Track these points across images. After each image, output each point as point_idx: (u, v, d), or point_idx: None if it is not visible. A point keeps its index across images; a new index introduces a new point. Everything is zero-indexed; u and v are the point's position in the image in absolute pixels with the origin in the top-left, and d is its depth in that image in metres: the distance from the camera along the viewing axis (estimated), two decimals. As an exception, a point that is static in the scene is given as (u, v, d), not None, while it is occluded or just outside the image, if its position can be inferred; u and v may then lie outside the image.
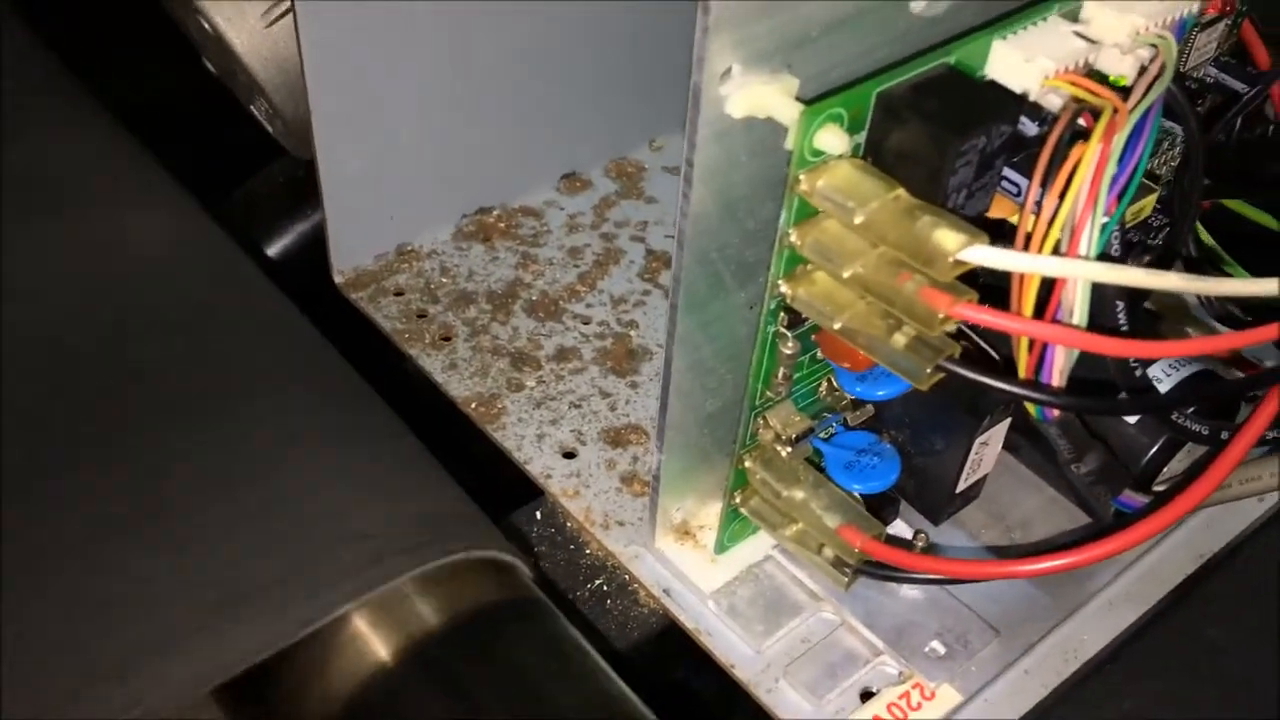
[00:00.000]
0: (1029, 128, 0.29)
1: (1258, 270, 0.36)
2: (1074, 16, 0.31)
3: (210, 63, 0.45)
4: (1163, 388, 0.33)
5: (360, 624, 0.26)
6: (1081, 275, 0.26)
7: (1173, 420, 0.31)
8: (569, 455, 0.40)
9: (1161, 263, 0.35)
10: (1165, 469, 0.34)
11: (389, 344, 0.43)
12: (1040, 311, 0.27)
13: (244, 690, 0.25)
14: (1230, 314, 0.42)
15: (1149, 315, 0.38)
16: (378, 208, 0.45)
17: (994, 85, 0.28)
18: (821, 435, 0.35)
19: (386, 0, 0.39)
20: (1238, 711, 0.32)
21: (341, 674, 0.25)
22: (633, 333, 0.44)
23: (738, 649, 0.35)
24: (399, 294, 0.45)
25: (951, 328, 0.27)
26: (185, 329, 0.34)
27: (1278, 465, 0.34)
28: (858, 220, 0.27)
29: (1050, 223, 0.26)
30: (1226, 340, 0.29)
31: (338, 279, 0.45)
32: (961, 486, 0.35)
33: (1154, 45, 0.30)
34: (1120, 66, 0.31)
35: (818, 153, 0.27)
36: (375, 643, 0.26)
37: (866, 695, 0.34)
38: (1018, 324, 0.26)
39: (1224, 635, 0.34)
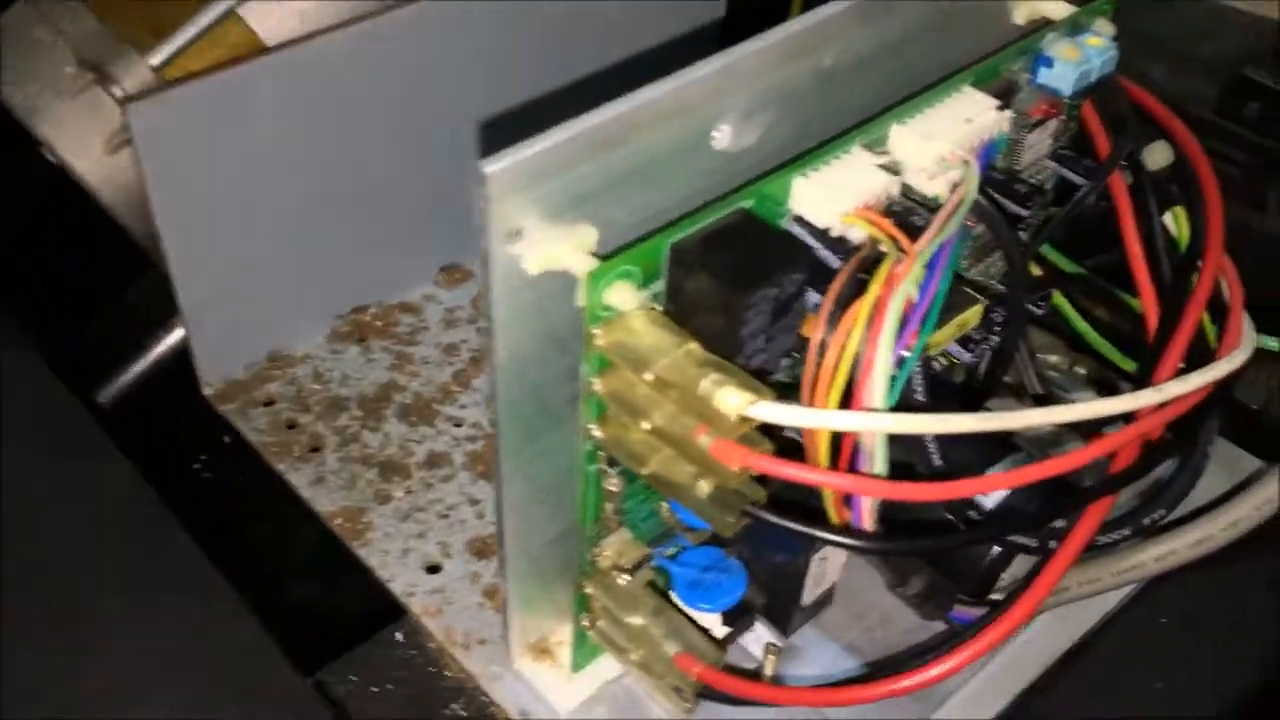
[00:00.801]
0: (833, 261, 0.29)
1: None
2: (883, 142, 0.31)
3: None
4: (989, 503, 0.33)
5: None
6: (863, 429, 0.26)
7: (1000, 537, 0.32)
8: (433, 570, 0.40)
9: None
10: (1004, 574, 0.34)
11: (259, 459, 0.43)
12: (837, 461, 0.27)
13: None
14: (1106, 378, 0.42)
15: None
16: (244, 317, 0.45)
17: (784, 233, 0.28)
18: (668, 554, 0.35)
19: (227, 117, 0.39)
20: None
21: None
22: (504, 434, 0.44)
23: (594, 775, 0.35)
24: (269, 404, 0.45)
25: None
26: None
27: (1117, 565, 0.35)
28: (647, 377, 0.27)
29: (833, 373, 0.26)
30: (1036, 470, 0.29)
31: (206, 391, 0.45)
32: (807, 600, 0.35)
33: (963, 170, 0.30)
34: (932, 188, 0.31)
35: (609, 308, 0.27)
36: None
37: (722, 813, 0.34)
38: (814, 475, 0.27)
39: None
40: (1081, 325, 0.43)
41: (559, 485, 0.32)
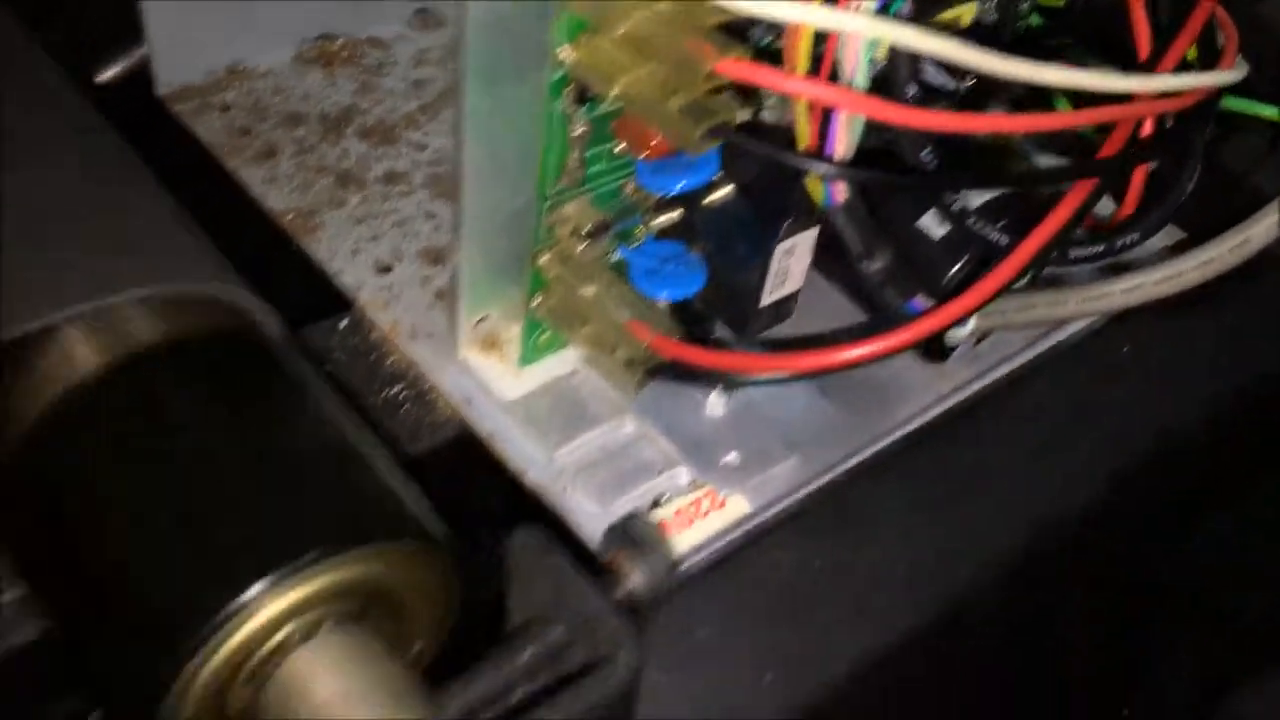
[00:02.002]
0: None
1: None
2: None
3: None
4: (974, 202, 0.32)
5: (73, 334, 0.25)
6: (845, 28, 0.25)
7: (971, 230, 0.31)
8: (384, 270, 0.38)
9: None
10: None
11: (213, 161, 0.41)
12: (816, 74, 0.26)
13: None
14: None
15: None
16: (205, 25, 0.43)
17: None
18: (629, 246, 0.34)
19: None
20: (995, 524, 0.32)
21: (50, 380, 0.24)
22: (468, 161, 0.43)
23: (530, 456, 0.34)
24: (225, 110, 0.43)
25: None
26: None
27: (1085, 292, 0.34)
28: (627, -35, 0.25)
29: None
30: (1025, 121, 0.28)
31: (161, 91, 0.43)
32: (767, 300, 0.34)
33: None
34: None
35: (593, -103, 0.26)
36: (87, 353, 0.25)
37: (657, 505, 0.33)
38: (786, 82, 0.25)
39: (995, 452, 0.34)
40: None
41: (521, 155, 0.31)
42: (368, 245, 0.39)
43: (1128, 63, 0.35)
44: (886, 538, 0.32)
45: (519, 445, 0.34)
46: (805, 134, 0.27)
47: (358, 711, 0.24)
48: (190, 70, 0.44)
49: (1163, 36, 0.33)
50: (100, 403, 0.25)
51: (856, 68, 0.26)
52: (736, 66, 0.25)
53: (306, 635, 0.25)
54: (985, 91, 0.35)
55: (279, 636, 0.25)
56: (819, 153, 0.27)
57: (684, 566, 0.30)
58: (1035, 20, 0.40)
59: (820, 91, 0.25)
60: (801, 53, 0.26)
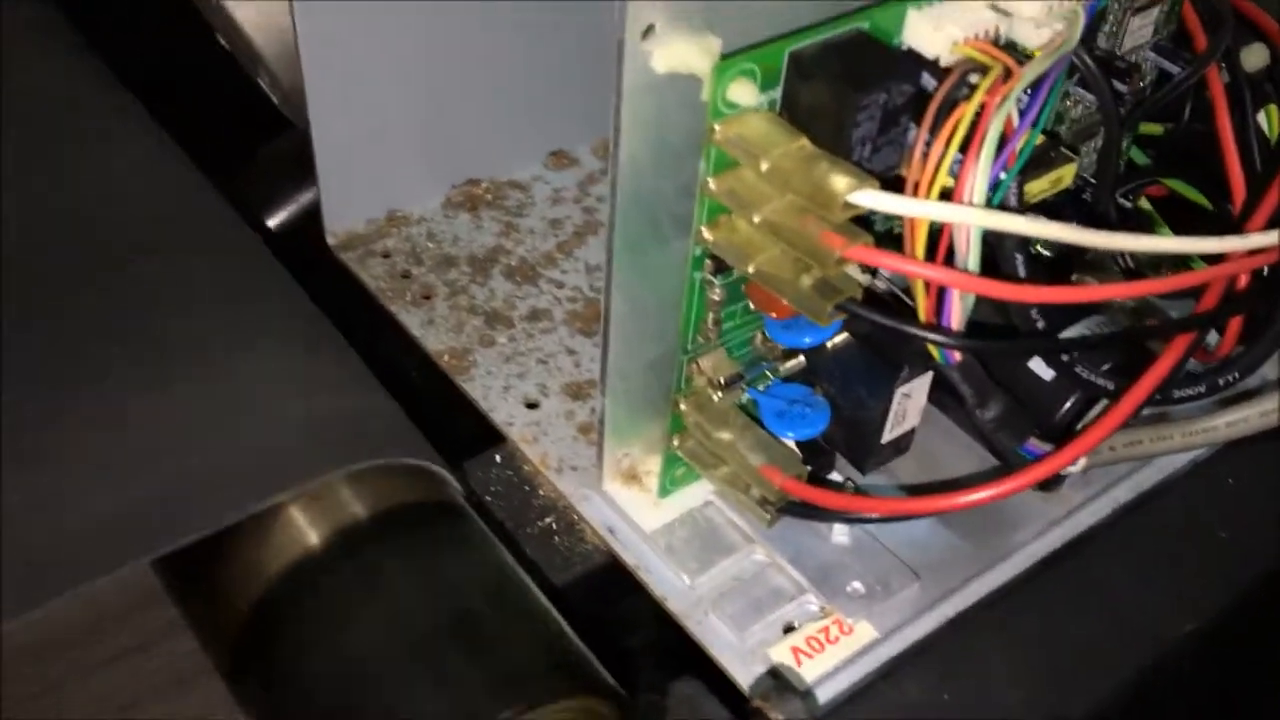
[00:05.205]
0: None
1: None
2: (992, -9, 0.33)
3: (221, 36, 0.49)
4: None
5: (294, 512, 0.29)
6: (959, 220, 0.28)
7: (1077, 374, 0.33)
8: (532, 406, 0.42)
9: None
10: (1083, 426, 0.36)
11: (375, 304, 0.46)
12: (933, 257, 0.29)
13: (182, 568, 0.27)
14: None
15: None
16: (369, 175, 0.47)
17: (899, 49, 0.30)
18: (759, 388, 0.37)
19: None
20: (1116, 644, 0.34)
21: (274, 556, 0.28)
22: (604, 297, 0.46)
23: (672, 584, 0.37)
24: (386, 256, 0.47)
25: (861, 278, 0.30)
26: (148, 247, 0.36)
27: (1189, 426, 0.36)
28: (764, 167, 0.29)
29: (936, 169, 0.28)
30: (1124, 288, 0.31)
31: (330, 240, 0.48)
32: (887, 437, 0.36)
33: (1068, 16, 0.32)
34: (1035, 39, 0.33)
35: (731, 105, 0.30)
36: (306, 530, 0.28)
37: (789, 629, 0.36)
38: (909, 265, 0.29)
39: (1118, 580, 0.36)
40: (1167, 232, 0.44)
41: (662, 308, 0.35)
42: (516, 382, 0.43)
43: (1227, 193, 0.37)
44: (1007, 665, 0.34)
45: (660, 574, 0.37)
46: (923, 307, 0.30)
47: None
48: (354, 218, 0.48)
49: (1257, 180, 0.35)
50: (322, 577, 0.28)
51: (969, 252, 0.29)
52: (863, 252, 0.28)
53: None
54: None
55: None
56: (936, 323, 0.30)
57: (822, 703, 0.33)
58: (1135, 153, 0.43)
59: (938, 275, 0.28)
60: (920, 239, 0.29)
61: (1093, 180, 0.38)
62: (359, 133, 0.46)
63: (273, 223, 0.50)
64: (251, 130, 0.53)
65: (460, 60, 0.47)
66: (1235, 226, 0.35)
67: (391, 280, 0.46)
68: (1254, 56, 0.40)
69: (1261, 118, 0.39)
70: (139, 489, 0.27)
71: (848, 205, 0.28)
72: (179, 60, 0.56)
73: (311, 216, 0.51)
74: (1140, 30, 0.39)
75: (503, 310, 0.46)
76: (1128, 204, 0.42)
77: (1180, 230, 0.42)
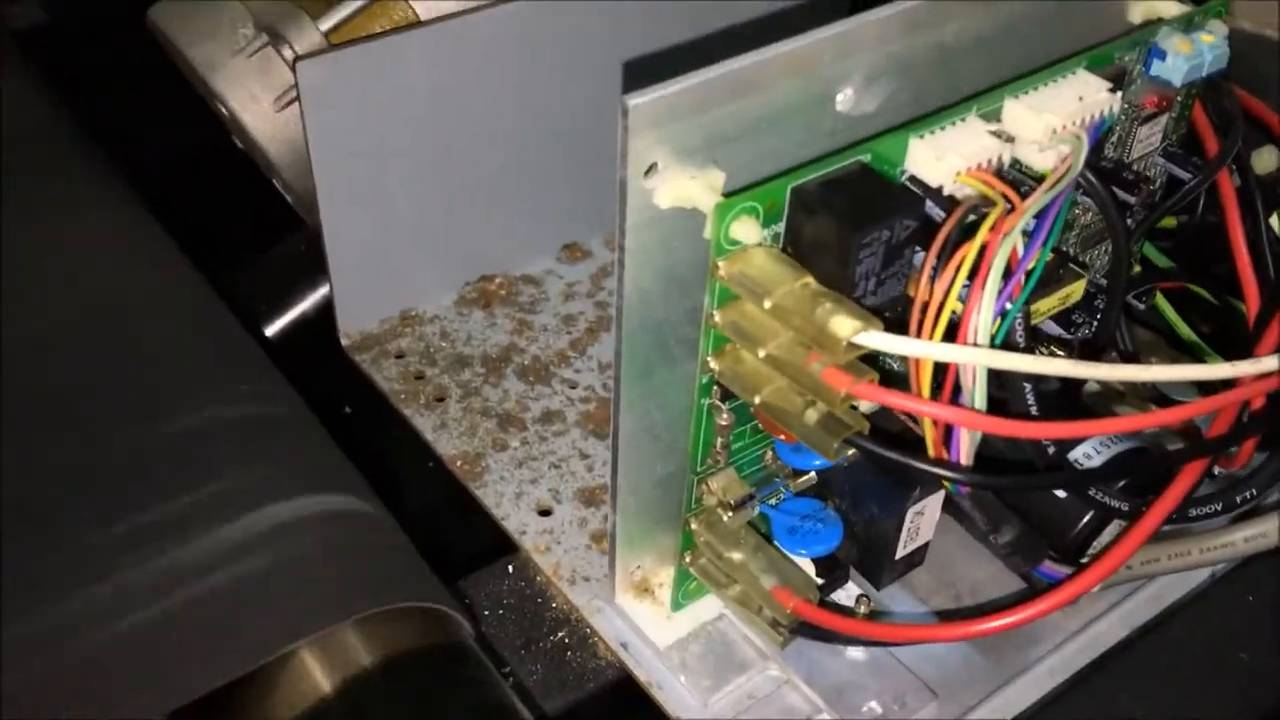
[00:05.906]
0: (943, 217, 0.31)
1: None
2: (996, 115, 0.33)
3: (236, 139, 0.49)
4: (1093, 464, 0.35)
5: (303, 657, 0.29)
6: (963, 360, 0.28)
7: (1091, 495, 0.33)
8: (544, 513, 0.42)
9: (1093, 350, 0.37)
10: (1097, 543, 0.35)
11: (388, 404, 0.46)
12: (939, 390, 0.29)
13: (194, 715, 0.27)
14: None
15: (1098, 397, 0.40)
16: (382, 275, 0.48)
17: (900, 184, 0.30)
18: (770, 502, 0.37)
19: (385, 82, 0.43)
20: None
21: (285, 703, 0.28)
22: (616, 397, 0.46)
23: (686, 703, 0.36)
24: (400, 356, 0.48)
25: (864, 408, 0.29)
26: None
27: (1206, 542, 0.35)
28: (767, 305, 0.29)
29: (940, 308, 0.28)
30: (1131, 422, 0.31)
31: (344, 341, 0.48)
32: (901, 553, 0.36)
33: (1072, 142, 0.32)
34: (1041, 161, 0.33)
35: (734, 242, 0.30)
36: (317, 680, 0.28)
37: (804, 750, 0.35)
38: (911, 404, 0.28)
39: (1137, 702, 0.35)
40: (1184, 329, 0.44)
41: (671, 426, 0.35)
42: (529, 488, 0.43)
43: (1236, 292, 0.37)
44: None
45: (674, 691, 0.37)
46: (931, 439, 0.30)
47: None
48: (367, 318, 0.49)
49: (1267, 300, 0.35)
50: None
51: (975, 389, 0.29)
52: (869, 390, 0.28)
53: None
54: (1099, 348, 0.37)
55: None
56: (944, 458, 0.30)
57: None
58: (1147, 248, 0.43)
59: (944, 414, 0.28)
60: (925, 375, 0.29)
61: (1104, 281, 0.37)
62: (371, 235, 0.46)
63: (282, 323, 0.50)
64: (266, 228, 0.54)
65: (471, 157, 0.48)
66: (1247, 341, 0.34)
67: (405, 383, 0.47)
68: (1265, 159, 0.40)
69: (1275, 222, 0.39)
70: (147, 637, 0.28)
71: (851, 346, 0.28)
72: (198, 158, 0.57)
73: (324, 316, 0.52)
74: (1149, 138, 0.39)
75: (515, 412, 0.46)
76: (1140, 306, 0.42)
77: (1195, 325, 0.42)
